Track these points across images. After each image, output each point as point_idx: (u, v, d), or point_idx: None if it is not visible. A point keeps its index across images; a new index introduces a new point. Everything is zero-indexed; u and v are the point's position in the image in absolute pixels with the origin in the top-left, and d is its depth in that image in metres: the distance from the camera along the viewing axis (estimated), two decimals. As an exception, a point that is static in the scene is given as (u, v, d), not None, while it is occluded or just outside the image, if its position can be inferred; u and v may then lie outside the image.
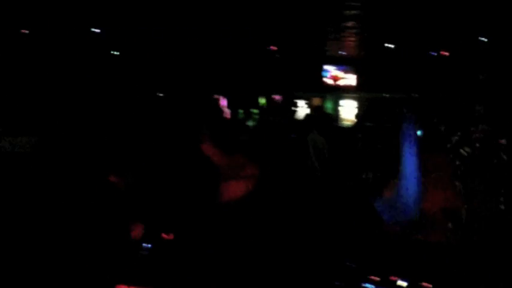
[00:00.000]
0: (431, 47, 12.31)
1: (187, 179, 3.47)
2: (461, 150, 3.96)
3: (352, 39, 12.04)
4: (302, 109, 16.43)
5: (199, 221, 2.98)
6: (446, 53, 12.18)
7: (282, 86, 14.85)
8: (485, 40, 10.41)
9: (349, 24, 10.12)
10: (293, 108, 15.71)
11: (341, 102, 17.02)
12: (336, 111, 16.59)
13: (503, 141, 4.00)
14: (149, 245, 2.70)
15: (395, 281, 2.40)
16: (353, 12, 8.96)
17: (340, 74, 16.27)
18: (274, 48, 13.57)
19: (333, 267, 2.00)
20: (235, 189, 3.77)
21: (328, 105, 17.09)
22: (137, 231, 2.66)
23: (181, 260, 2.50)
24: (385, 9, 8.63)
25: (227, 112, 11.72)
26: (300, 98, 16.64)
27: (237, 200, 3.40)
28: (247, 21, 9.92)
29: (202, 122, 4.20)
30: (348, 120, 15.43)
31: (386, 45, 12.01)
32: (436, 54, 12.47)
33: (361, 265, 2.44)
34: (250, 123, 9.65)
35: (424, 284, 2.35)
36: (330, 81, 16.32)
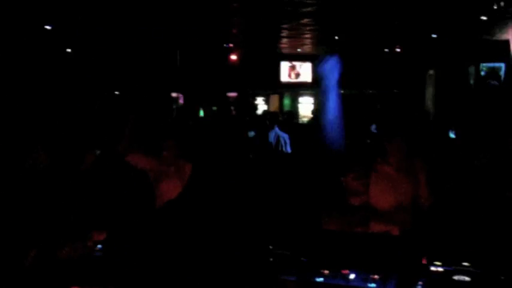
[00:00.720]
0: (385, 43, 12.57)
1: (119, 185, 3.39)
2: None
3: (308, 36, 12.16)
4: (260, 106, 16.56)
5: (138, 223, 2.96)
6: (399, 50, 12.46)
7: (239, 83, 14.85)
8: (436, 37, 10.70)
9: (305, 21, 10.21)
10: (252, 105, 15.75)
11: (298, 99, 17.19)
12: (294, 107, 16.74)
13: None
14: (100, 246, 2.67)
15: (347, 274, 2.44)
16: (308, 9, 9.04)
17: (296, 71, 16.40)
18: (231, 45, 13.59)
19: (284, 262, 2.03)
20: (167, 190, 3.74)
21: (286, 102, 17.24)
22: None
23: (132, 260, 2.48)
24: (339, 6, 8.75)
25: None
26: (258, 95, 16.72)
27: (170, 200, 3.39)
28: (203, 20, 9.87)
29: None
30: (305, 116, 15.59)
31: (341, 42, 12.18)
32: (389, 50, 12.74)
33: (312, 259, 2.47)
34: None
35: (374, 276, 2.40)
36: (287, 79, 16.43)
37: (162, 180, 3.89)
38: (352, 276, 2.39)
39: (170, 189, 3.78)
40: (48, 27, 10.12)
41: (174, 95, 14.13)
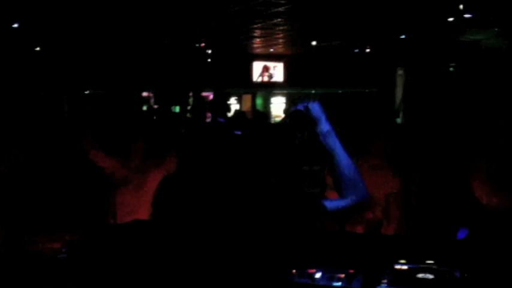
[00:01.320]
0: (356, 43, 12.71)
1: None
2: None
3: (280, 36, 12.20)
4: (233, 106, 16.54)
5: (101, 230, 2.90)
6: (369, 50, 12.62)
7: (211, 82, 14.80)
8: (405, 37, 10.87)
9: (276, 21, 10.25)
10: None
11: (271, 98, 17.27)
12: (267, 107, 16.80)
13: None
14: (65, 248, 2.63)
15: (314, 273, 2.44)
16: (280, 9, 9.08)
17: (268, 71, 16.44)
18: (203, 45, 13.55)
19: (254, 261, 2.02)
20: (125, 200, 3.45)
21: (259, 102, 17.29)
22: None
23: (97, 263, 2.44)
24: (310, 6, 8.81)
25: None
26: (230, 95, 16.71)
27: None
28: (175, 19, 9.82)
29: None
30: (277, 116, 15.65)
31: (313, 42, 12.27)
32: (359, 50, 12.89)
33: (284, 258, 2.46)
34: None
35: (340, 275, 2.41)
36: (259, 78, 16.46)
37: (122, 188, 3.57)
38: (318, 275, 2.40)
39: (128, 199, 3.48)
40: (15, 25, 9.93)
41: (144, 94, 14.01)
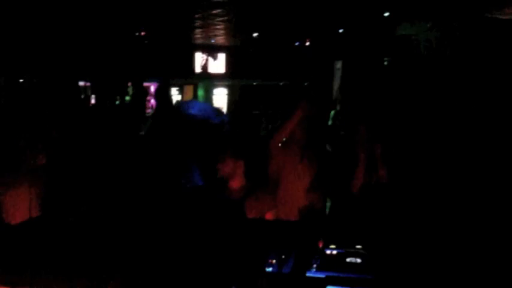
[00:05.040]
0: (296, 36, 12.87)
1: None
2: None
3: (221, 27, 12.16)
4: (174, 96, 16.36)
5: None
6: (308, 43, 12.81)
7: (152, 72, 14.55)
8: (342, 31, 11.12)
9: (218, 11, 10.20)
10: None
11: (213, 90, 17.21)
12: (208, 99, 16.73)
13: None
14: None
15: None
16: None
17: (210, 61, 16.35)
18: (143, 33, 13.30)
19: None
20: (11, 202, 3.34)
21: (200, 93, 17.19)
22: None
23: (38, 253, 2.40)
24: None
25: None
26: (172, 85, 16.50)
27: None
28: (114, 5, 9.58)
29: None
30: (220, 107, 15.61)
31: (254, 34, 12.32)
32: (299, 43, 13.06)
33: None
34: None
35: (271, 260, 2.47)
36: (201, 69, 16.35)
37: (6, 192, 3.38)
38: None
39: (17, 201, 3.34)
40: None
41: (81, 83, 13.62)
